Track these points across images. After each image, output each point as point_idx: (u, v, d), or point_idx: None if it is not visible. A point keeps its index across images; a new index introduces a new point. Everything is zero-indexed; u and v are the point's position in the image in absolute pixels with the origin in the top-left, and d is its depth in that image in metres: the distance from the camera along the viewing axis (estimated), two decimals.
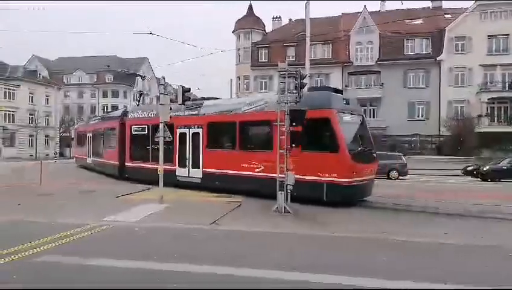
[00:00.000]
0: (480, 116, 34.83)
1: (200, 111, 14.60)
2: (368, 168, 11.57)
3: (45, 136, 54.21)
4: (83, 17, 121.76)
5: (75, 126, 41.13)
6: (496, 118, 35.60)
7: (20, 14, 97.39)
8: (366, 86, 39.31)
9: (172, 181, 14.53)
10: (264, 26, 45.02)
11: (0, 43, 77.32)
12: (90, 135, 25.76)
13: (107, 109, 59.85)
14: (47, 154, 50.40)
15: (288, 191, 10.02)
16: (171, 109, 12.20)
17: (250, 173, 12.45)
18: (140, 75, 27.63)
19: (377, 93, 38.26)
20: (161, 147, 11.88)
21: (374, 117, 38.86)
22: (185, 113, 14.89)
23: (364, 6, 39.26)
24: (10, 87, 49.91)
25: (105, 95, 65.46)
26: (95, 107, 64.54)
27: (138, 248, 6.47)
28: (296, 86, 10.36)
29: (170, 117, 12.01)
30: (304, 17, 28.08)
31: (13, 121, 50.02)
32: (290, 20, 46.87)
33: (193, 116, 14.76)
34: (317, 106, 11.03)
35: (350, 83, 39.73)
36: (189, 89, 12.61)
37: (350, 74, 39.60)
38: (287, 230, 7.98)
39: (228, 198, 12.05)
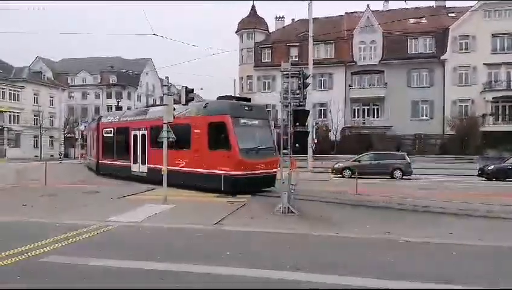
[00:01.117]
0: (484, 115, 34.68)
1: (146, 116, 17.36)
2: (261, 164, 13.24)
3: (50, 137, 54.50)
4: (84, 18, 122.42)
5: (81, 127, 42.77)
6: (500, 117, 35.46)
7: (20, 15, 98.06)
8: (370, 85, 39.24)
9: (128, 175, 17.67)
10: (267, 26, 44.97)
11: (3, 44, 77.78)
12: (87, 135, 29.18)
13: (111, 109, 60.03)
14: (51, 155, 50.63)
15: (292, 190, 10.03)
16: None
17: (177, 168, 14.25)
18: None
19: (380, 93, 38.18)
20: (165, 148, 11.87)
21: (377, 117, 38.81)
22: (137, 118, 18.10)
23: (368, 5, 39.27)
24: (15, 89, 50.22)
25: (109, 96, 65.66)
26: (99, 108, 64.71)
27: (142, 248, 6.50)
28: (299, 86, 10.34)
29: (127, 121, 13.57)
30: (307, 17, 28.16)
31: (18, 122, 50.35)
32: (293, 20, 46.84)
33: (142, 120, 17.54)
34: (217, 112, 13.49)
35: (353, 82, 39.66)
36: (193, 89, 12.64)
37: (353, 73, 39.53)
38: (291, 230, 7.96)
39: (232, 198, 12.09)
